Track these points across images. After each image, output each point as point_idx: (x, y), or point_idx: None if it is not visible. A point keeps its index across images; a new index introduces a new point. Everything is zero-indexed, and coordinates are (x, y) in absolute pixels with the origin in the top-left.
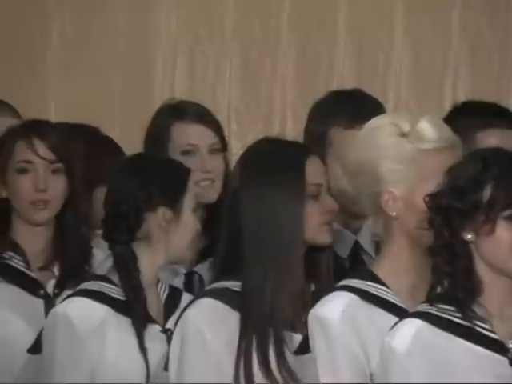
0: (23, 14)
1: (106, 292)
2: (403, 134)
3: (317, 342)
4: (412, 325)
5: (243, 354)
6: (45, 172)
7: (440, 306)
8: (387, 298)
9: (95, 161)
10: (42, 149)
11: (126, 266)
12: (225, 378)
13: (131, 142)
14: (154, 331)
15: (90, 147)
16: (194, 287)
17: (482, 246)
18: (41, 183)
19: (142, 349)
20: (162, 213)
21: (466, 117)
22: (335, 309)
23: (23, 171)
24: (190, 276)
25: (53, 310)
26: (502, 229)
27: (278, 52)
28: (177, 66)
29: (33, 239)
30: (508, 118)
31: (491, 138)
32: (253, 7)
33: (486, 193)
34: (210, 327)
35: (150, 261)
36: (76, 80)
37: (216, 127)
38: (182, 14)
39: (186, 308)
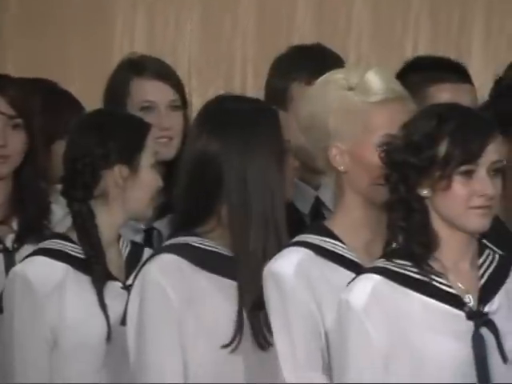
0: None
1: (65, 250)
2: (350, 88)
3: (270, 297)
4: (369, 280)
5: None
6: (4, 127)
7: (396, 261)
8: (342, 253)
9: (53, 115)
10: (2, 104)
11: (84, 224)
12: (185, 333)
13: (91, 98)
14: (114, 288)
15: (48, 101)
16: (154, 243)
17: (438, 202)
18: (0, 139)
19: (103, 306)
20: (119, 170)
21: (418, 72)
22: (289, 264)
23: None
24: (149, 232)
25: (12, 270)
26: (457, 184)
27: (239, 7)
28: (136, 22)
29: None
30: (460, 73)
31: (443, 93)
32: None
33: (442, 148)
34: (170, 282)
35: (109, 218)
36: (34, 36)
37: (176, 84)
38: None
39: (145, 263)
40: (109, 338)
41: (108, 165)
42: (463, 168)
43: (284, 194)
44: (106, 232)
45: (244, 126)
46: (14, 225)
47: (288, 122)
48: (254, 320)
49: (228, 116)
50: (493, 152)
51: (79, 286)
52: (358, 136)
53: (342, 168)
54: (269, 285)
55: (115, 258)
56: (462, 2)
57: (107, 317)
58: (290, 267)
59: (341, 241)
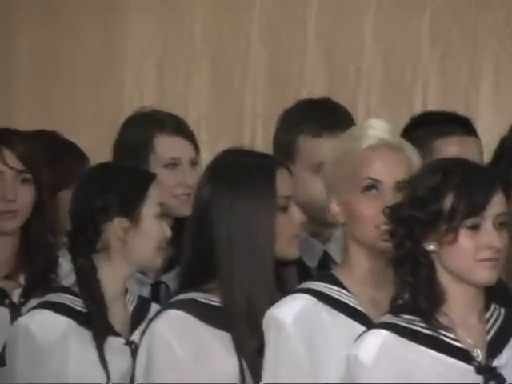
0: None
1: (69, 304)
2: (348, 139)
3: (268, 342)
4: (377, 335)
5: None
6: (14, 182)
7: (405, 316)
8: (346, 301)
9: (57, 166)
10: (11, 158)
11: (86, 279)
12: None
13: (100, 150)
14: (116, 344)
15: (51, 152)
16: (161, 297)
17: (445, 256)
18: (10, 194)
19: (103, 361)
20: (118, 222)
21: (424, 127)
22: (289, 312)
23: None
24: (156, 286)
25: (15, 322)
26: (464, 237)
27: (249, 61)
28: (146, 75)
29: (2, 245)
30: (466, 126)
31: (450, 146)
32: (223, 16)
33: (447, 202)
34: (177, 339)
35: (112, 272)
36: (44, 91)
37: (194, 139)
38: (150, 23)
39: (151, 320)
40: None
41: (108, 217)
42: (469, 221)
43: (272, 249)
44: (110, 286)
45: (234, 180)
46: (22, 279)
47: (291, 179)
48: (253, 369)
49: (224, 169)
50: (497, 204)
51: (81, 340)
52: (347, 184)
53: (340, 219)
54: (268, 329)
55: (120, 312)
56: (470, 55)
57: (107, 372)
58: (289, 316)
59: (346, 289)
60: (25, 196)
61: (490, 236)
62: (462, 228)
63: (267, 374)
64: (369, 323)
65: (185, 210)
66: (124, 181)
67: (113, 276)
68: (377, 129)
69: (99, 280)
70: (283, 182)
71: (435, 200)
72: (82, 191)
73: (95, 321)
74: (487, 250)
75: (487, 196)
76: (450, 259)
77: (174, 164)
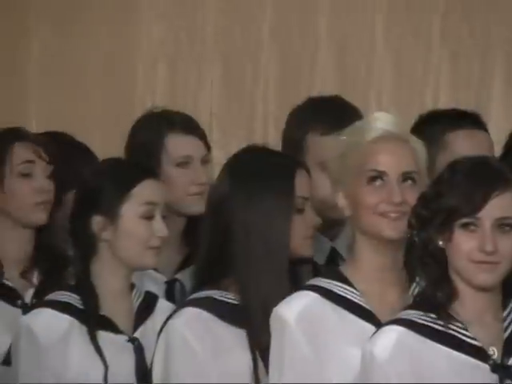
0: (3, 26)
1: (72, 303)
2: (352, 134)
3: (273, 340)
4: (392, 332)
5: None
6: (44, 174)
7: (420, 312)
8: (351, 298)
9: (64, 166)
10: (41, 151)
11: (78, 277)
12: None
13: (112, 150)
14: (119, 341)
15: (60, 153)
16: (176, 295)
17: (449, 254)
18: (47, 184)
19: (98, 350)
20: (95, 221)
21: (433, 123)
22: (293, 309)
23: (25, 175)
24: (171, 284)
25: (19, 321)
26: (459, 237)
27: (260, 60)
28: (158, 74)
29: (18, 244)
30: (474, 120)
31: (459, 140)
32: (234, 14)
33: (446, 200)
34: (196, 336)
35: (105, 270)
36: (57, 92)
37: (205, 138)
38: (162, 23)
39: (169, 318)
40: (105, 383)
41: (86, 215)
42: (464, 220)
43: (287, 249)
44: (109, 283)
45: (253, 178)
46: (35, 280)
47: (310, 181)
48: (268, 366)
49: (243, 166)
50: (499, 207)
51: (83, 338)
52: (353, 176)
53: (347, 212)
54: (273, 327)
55: (123, 309)
56: (482, 51)
57: (104, 360)
58: (293, 313)
59: (352, 285)
60: (52, 189)
61: (483, 239)
62: (457, 227)
63: (273, 373)
64: (374, 320)
65: (198, 207)
66: (107, 178)
67: (106, 274)
68: (381, 121)
69: (89, 278)
70: (302, 183)
71: (436, 198)
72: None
73: (88, 316)
74: (480, 253)
75: (484, 197)
76: (450, 257)
77: (186, 162)
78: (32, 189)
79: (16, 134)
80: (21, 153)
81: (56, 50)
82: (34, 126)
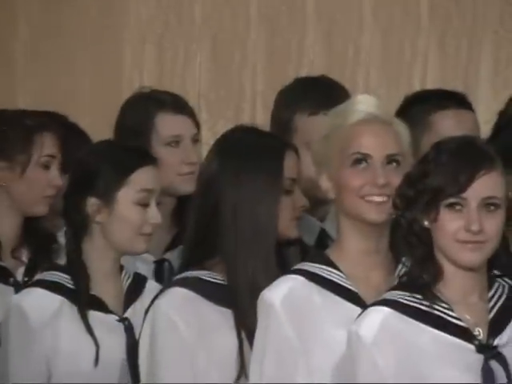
0: None
1: (62, 282)
2: (335, 115)
3: (258, 323)
4: (378, 312)
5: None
6: (57, 167)
7: (405, 293)
8: (336, 281)
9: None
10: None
11: (70, 257)
12: (198, 368)
13: (100, 130)
14: (109, 321)
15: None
16: (164, 275)
17: (433, 234)
18: (60, 180)
19: (89, 329)
20: (90, 203)
21: (419, 103)
22: (278, 294)
23: (46, 167)
24: (160, 263)
25: (10, 302)
26: (443, 217)
27: (248, 40)
28: (145, 55)
29: (10, 225)
30: (461, 100)
31: (444, 120)
32: None
33: (431, 180)
34: (181, 316)
35: (96, 252)
36: (45, 71)
37: (194, 117)
38: (151, 2)
39: (155, 297)
40: (96, 362)
41: (81, 196)
42: (449, 200)
43: (274, 229)
44: (98, 265)
45: (242, 158)
46: (25, 258)
47: (298, 163)
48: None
49: (233, 145)
50: (484, 187)
51: (73, 317)
52: (337, 159)
53: (331, 195)
54: (259, 311)
55: (113, 290)
56: (470, 32)
57: (95, 339)
58: (278, 297)
59: (338, 268)
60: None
61: (469, 218)
62: (443, 207)
63: (255, 356)
64: (361, 302)
65: (188, 187)
66: (106, 162)
67: (97, 256)
68: (364, 104)
69: (81, 258)
70: (290, 165)
71: (421, 178)
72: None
73: (79, 295)
74: (467, 233)
75: (470, 176)
76: (435, 237)
77: (176, 142)
78: (48, 182)
79: (44, 123)
80: (47, 145)
81: (43, 29)
82: (21, 105)
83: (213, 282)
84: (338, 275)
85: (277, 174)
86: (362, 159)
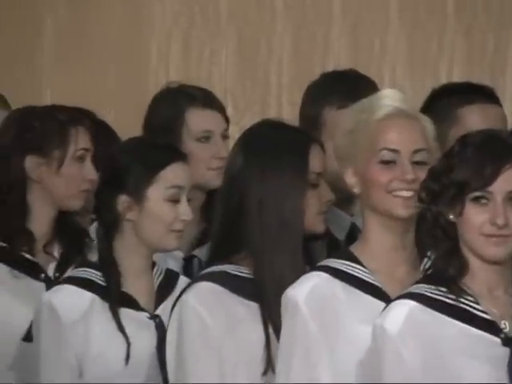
0: (17, 2)
1: (93, 279)
2: (362, 110)
3: (283, 321)
4: (404, 306)
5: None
6: (90, 160)
7: (431, 286)
8: (360, 276)
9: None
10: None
11: (103, 254)
12: (225, 362)
13: (127, 126)
14: (140, 318)
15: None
16: (194, 271)
17: (459, 228)
18: (94, 174)
19: (120, 327)
20: (121, 200)
21: (445, 97)
22: (302, 291)
23: (81, 161)
24: (189, 260)
25: (42, 298)
26: (469, 211)
27: (274, 35)
28: (171, 51)
29: (43, 219)
30: (488, 94)
31: (472, 114)
32: None
33: (457, 174)
34: (208, 311)
35: (127, 249)
36: (71, 67)
37: (224, 112)
38: None
39: (182, 292)
40: (127, 359)
41: (112, 194)
42: (475, 194)
43: (301, 224)
44: (129, 262)
45: (268, 152)
46: (56, 253)
47: (324, 157)
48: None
49: (258, 140)
50: (510, 181)
51: (105, 315)
52: (363, 155)
53: (356, 190)
54: (283, 310)
55: (144, 287)
56: (496, 25)
57: (126, 337)
58: (302, 294)
59: (361, 264)
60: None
61: (494, 212)
62: (468, 201)
63: (282, 357)
64: (384, 297)
65: (219, 182)
66: (136, 159)
67: (128, 253)
68: (390, 98)
69: (112, 255)
70: (316, 159)
71: (446, 172)
72: (103, 166)
73: (110, 292)
74: (491, 226)
75: (496, 170)
76: (461, 232)
77: (206, 137)
78: (83, 176)
79: (77, 117)
80: (82, 138)
81: (70, 25)
82: (47, 103)
83: (239, 276)
84: (362, 271)
85: (302, 168)
86: (389, 155)
